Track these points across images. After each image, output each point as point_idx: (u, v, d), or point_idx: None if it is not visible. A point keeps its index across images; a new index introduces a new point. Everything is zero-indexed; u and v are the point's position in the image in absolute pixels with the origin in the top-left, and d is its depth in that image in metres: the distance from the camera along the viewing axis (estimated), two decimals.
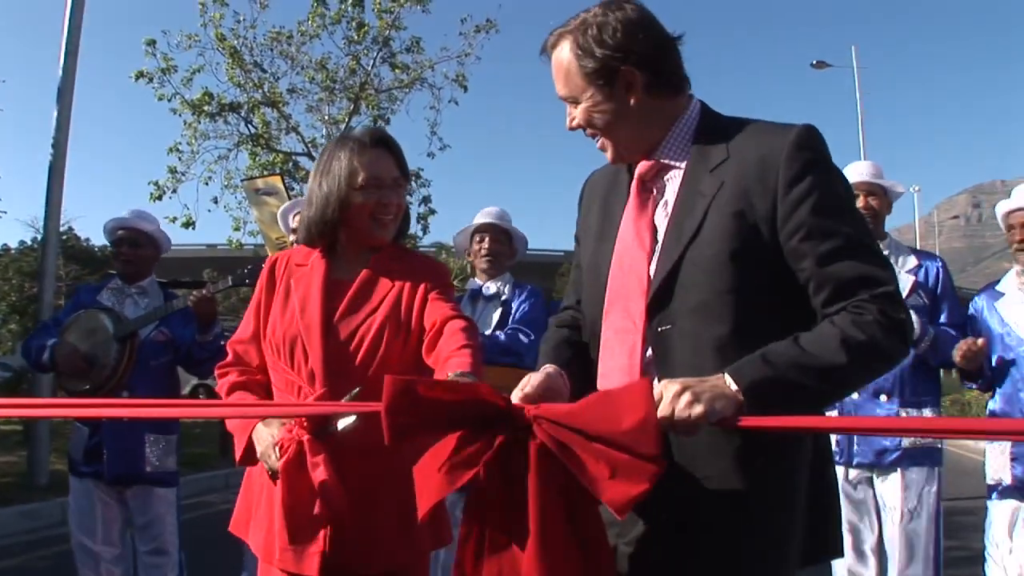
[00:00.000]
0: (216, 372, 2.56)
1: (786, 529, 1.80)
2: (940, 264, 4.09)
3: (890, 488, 3.92)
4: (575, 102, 1.94)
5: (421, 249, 21.57)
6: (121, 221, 4.55)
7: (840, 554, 1.97)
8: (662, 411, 1.60)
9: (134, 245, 4.48)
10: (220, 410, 2.45)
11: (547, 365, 1.93)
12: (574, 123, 1.98)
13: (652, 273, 1.86)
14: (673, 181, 1.92)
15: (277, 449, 2.21)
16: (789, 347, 1.70)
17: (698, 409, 1.59)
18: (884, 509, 3.97)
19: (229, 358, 2.55)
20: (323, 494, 2.15)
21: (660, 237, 1.88)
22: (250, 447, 2.33)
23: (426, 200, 17.90)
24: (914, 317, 3.73)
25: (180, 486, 4.48)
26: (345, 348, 2.37)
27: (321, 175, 2.50)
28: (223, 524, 2.62)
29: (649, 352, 1.85)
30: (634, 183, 1.98)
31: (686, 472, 1.77)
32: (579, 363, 2.00)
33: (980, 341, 3.67)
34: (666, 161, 1.94)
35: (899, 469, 3.89)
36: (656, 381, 1.72)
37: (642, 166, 1.97)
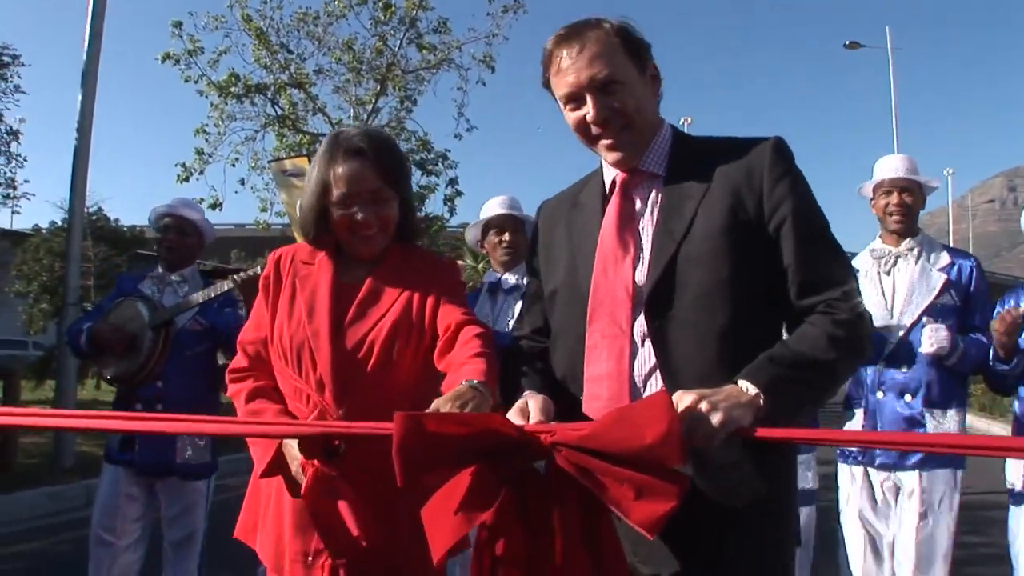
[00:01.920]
0: (228, 377, 2.43)
1: (791, 516, 1.97)
2: (974, 263, 3.98)
3: (909, 489, 3.84)
4: (610, 84, 1.95)
5: (448, 230, 21.54)
6: (168, 208, 4.52)
7: (799, 544, 2.05)
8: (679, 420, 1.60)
9: (180, 233, 4.46)
10: (244, 427, 2.34)
11: (530, 391, 1.95)
12: (613, 107, 1.97)
13: (643, 275, 1.93)
14: (655, 190, 2.03)
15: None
16: (784, 349, 1.81)
17: (717, 417, 1.62)
18: (900, 509, 3.87)
19: (242, 361, 2.43)
20: (344, 516, 2.08)
21: (646, 242, 1.97)
22: (274, 459, 2.20)
23: (453, 182, 17.81)
24: (943, 332, 3.68)
25: (214, 477, 4.43)
26: (355, 355, 2.27)
27: (309, 180, 2.39)
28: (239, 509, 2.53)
29: (647, 349, 1.90)
30: (616, 194, 2.05)
31: (702, 482, 1.79)
32: (549, 390, 2.00)
33: (1023, 307, 3.56)
34: (649, 169, 2.04)
35: (919, 471, 3.81)
36: (658, 377, 1.87)
37: (623, 176, 2.06)
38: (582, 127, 2.02)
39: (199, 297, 4.13)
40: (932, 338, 3.70)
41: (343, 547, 2.12)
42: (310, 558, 2.22)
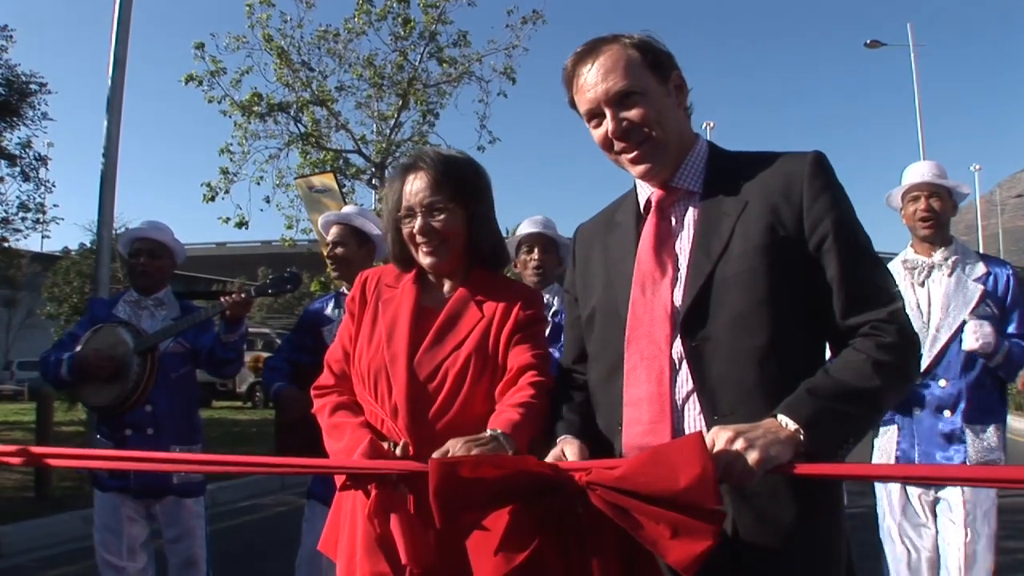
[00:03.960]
0: (313, 393, 2.47)
1: (841, 559, 1.84)
2: (1010, 272, 3.88)
3: (952, 504, 3.76)
4: (628, 95, 1.93)
5: None
6: (137, 232, 4.52)
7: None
8: (715, 459, 1.56)
9: (152, 256, 4.43)
10: (275, 467, 2.35)
11: (566, 436, 1.94)
12: (631, 118, 1.94)
13: (681, 295, 1.87)
14: (691, 207, 1.98)
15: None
16: (826, 379, 1.74)
17: (753, 455, 1.57)
18: (943, 526, 3.80)
19: (328, 379, 2.46)
20: (397, 540, 2.07)
21: (684, 261, 1.91)
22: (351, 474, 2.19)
23: None
24: (988, 327, 3.60)
25: (207, 495, 4.48)
26: (428, 383, 2.27)
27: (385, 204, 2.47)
28: (275, 529, 2.56)
29: (684, 371, 1.84)
30: (652, 213, 2.01)
31: (742, 511, 1.74)
32: (589, 430, 2.00)
33: None
34: (684, 187, 1.99)
35: (961, 487, 3.70)
36: (695, 400, 1.81)
37: (658, 194, 2.01)
38: (606, 143, 1.99)
39: (203, 314, 4.18)
40: (977, 333, 3.60)
41: (402, 570, 2.11)
42: None
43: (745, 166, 1.95)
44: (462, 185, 2.41)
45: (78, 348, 4.23)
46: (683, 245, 1.93)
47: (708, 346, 1.82)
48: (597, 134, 2.00)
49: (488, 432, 2.00)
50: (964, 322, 3.71)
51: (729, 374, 1.79)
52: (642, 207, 2.06)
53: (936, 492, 3.82)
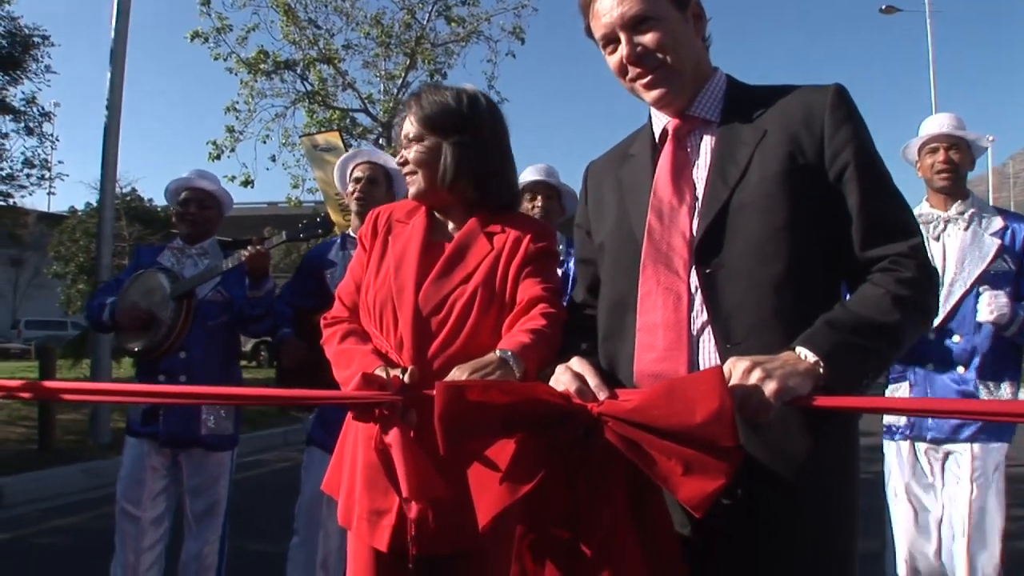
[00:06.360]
0: (323, 323, 2.43)
1: (855, 499, 1.79)
2: None
3: (962, 462, 3.67)
4: (643, 20, 1.87)
5: None
6: (185, 182, 4.45)
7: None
8: (731, 391, 1.49)
9: (201, 206, 4.39)
10: (271, 397, 2.30)
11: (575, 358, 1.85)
12: (645, 44, 1.88)
13: (696, 224, 1.82)
14: (708, 136, 1.92)
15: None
16: (844, 312, 1.69)
17: (771, 387, 1.51)
18: (950, 483, 3.72)
19: (341, 311, 2.42)
20: (404, 474, 1.97)
21: (700, 190, 1.86)
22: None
23: None
24: (1004, 299, 3.52)
25: (236, 449, 4.39)
26: (434, 316, 2.22)
27: None
28: (277, 484, 2.51)
29: (699, 300, 1.77)
30: (668, 142, 1.95)
31: (753, 444, 1.66)
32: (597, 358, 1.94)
33: None
34: (701, 115, 1.94)
35: (971, 444, 3.64)
36: (711, 331, 1.74)
37: (675, 123, 1.95)
38: (621, 69, 1.94)
39: (225, 265, 4.08)
40: (992, 305, 3.52)
41: (400, 507, 2.09)
42: (376, 517, 2.19)
43: (764, 97, 1.90)
44: (440, 116, 2.37)
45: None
46: (700, 173, 1.88)
47: (722, 274, 1.76)
48: (612, 60, 1.95)
49: (497, 353, 1.94)
50: (980, 275, 3.62)
51: (744, 302, 1.74)
52: (657, 137, 2.01)
53: (947, 447, 3.74)
